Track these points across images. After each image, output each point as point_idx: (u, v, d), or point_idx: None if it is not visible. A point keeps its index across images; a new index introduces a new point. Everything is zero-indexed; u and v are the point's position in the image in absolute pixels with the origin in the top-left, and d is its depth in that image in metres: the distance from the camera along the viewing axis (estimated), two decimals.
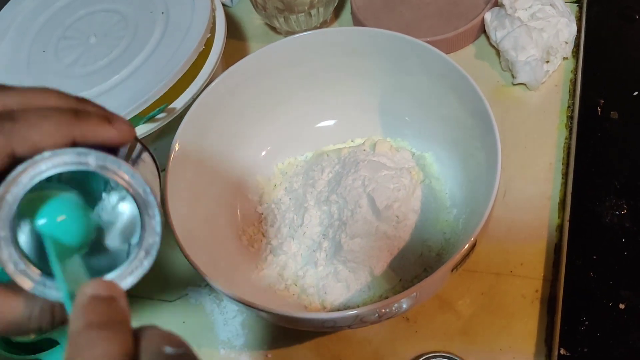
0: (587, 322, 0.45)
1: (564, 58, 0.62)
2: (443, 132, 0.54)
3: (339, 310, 0.49)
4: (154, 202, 0.27)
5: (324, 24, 0.70)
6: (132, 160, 0.31)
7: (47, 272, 0.27)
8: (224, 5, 0.75)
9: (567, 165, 0.56)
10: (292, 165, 0.58)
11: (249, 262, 0.53)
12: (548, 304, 0.49)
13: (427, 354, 0.48)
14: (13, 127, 0.26)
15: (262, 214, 0.56)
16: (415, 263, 0.49)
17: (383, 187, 0.50)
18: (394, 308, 0.41)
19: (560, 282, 0.49)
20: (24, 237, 0.27)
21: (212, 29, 0.60)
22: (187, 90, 0.56)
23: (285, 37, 0.71)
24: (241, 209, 0.56)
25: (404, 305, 0.42)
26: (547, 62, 0.61)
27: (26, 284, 0.27)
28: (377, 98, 0.58)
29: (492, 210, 0.42)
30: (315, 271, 0.51)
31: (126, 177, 0.27)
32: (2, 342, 0.51)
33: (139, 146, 0.34)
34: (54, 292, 0.27)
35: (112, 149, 0.28)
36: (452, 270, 0.41)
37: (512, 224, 0.53)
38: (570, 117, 0.58)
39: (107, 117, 0.29)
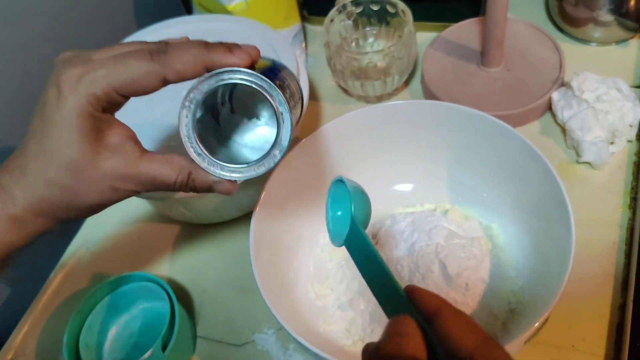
0: None
1: (629, 141, 0.65)
2: (511, 205, 0.56)
3: None
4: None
5: (395, 91, 0.74)
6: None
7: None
8: None
9: (630, 245, 0.57)
10: None
11: (316, 316, 0.56)
12: None
13: None
14: (165, 59, 0.37)
15: (332, 270, 0.59)
16: None
17: (455, 255, 0.52)
18: None
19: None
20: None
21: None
22: None
23: (357, 100, 0.75)
24: (313, 264, 0.59)
25: None
26: (612, 143, 0.64)
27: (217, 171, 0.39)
28: (447, 166, 0.61)
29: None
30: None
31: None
32: None
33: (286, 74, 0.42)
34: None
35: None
36: (524, 343, 0.43)
37: (575, 298, 0.55)
38: (634, 199, 0.60)
39: (230, 47, 0.37)
